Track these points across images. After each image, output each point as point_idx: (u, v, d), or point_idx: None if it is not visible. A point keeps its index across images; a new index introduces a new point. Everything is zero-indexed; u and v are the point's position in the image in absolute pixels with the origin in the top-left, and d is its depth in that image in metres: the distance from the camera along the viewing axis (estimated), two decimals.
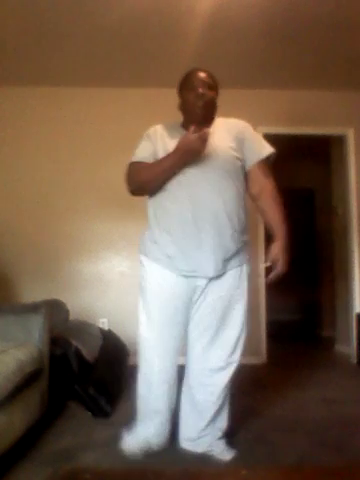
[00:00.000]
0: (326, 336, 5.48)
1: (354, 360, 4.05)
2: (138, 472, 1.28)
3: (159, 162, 1.92)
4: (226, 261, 1.93)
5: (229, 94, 4.21)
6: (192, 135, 1.79)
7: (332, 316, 4.97)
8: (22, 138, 4.12)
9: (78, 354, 2.69)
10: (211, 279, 1.93)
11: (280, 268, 1.98)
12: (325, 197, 5.38)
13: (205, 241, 1.88)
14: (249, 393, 2.93)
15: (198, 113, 1.96)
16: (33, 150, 4.12)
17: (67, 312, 3.30)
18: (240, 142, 1.99)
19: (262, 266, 1.99)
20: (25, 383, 2.01)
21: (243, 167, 2.01)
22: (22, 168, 4.11)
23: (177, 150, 1.84)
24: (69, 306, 3.34)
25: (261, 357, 4.06)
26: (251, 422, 2.41)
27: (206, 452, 1.97)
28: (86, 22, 3.12)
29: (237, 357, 1.99)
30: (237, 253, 1.97)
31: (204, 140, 1.81)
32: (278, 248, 2.01)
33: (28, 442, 2.10)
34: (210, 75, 2.01)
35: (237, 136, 1.99)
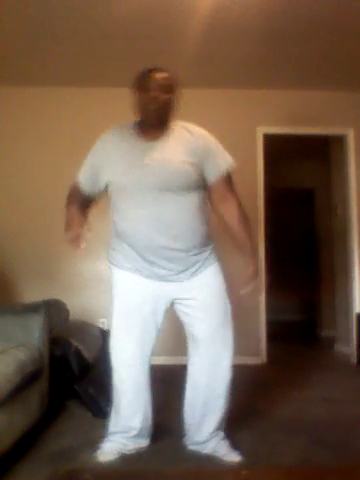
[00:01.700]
0: (326, 336, 5.48)
1: (354, 360, 4.05)
2: (138, 472, 1.28)
3: (66, 214, 1.96)
4: (187, 268, 1.94)
5: (229, 94, 4.27)
6: (69, 236, 1.84)
7: (332, 316, 4.98)
8: (22, 138, 4.12)
9: (78, 354, 2.69)
10: (180, 283, 1.95)
11: (253, 284, 2.01)
12: (325, 197, 5.38)
13: (160, 261, 1.90)
14: (249, 393, 2.92)
15: (150, 116, 1.90)
16: (33, 150, 4.12)
17: (67, 312, 3.30)
18: (199, 156, 1.91)
19: (242, 293, 1.97)
20: (25, 383, 2.01)
21: (201, 180, 1.94)
22: (22, 168, 4.11)
23: (67, 232, 1.88)
24: (69, 306, 3.34)
25: (261, 357, 4.06)
26: (251, 422, 2.41)
27: (212, 454, 1.97)
28: (86, 22, 3.12)
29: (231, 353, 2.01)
30: (200, 262, 1.97)
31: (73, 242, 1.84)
32: (252, 271, 2.01)
33: (28, 442, 2.10)
34: (167, 76, 1.92)
35: (196, 149, 1.91)
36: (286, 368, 3.87)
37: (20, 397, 1.98)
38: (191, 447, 2.02)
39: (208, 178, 1.96)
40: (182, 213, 1.89)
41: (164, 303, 1.99)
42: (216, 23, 3.11)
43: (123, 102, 4.11)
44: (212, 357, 1.97)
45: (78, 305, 3.66)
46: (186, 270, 1.93)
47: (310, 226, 6.17)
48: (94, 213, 4.30)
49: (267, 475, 1.22)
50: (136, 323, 1.97)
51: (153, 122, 1.92)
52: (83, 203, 2.05)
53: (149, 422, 2.03)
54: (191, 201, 1.91)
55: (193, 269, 1.95)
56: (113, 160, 1.93)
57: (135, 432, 1.99)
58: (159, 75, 1.91)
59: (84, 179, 2.05)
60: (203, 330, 1.97)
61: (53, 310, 2.83)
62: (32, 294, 3.76)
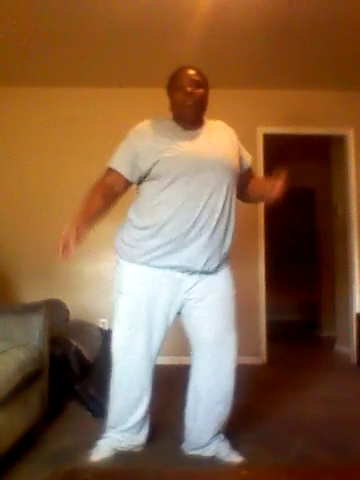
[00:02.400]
0: (326, 336, 5.48)
1: (354, 360, 4.05)
2: (138, 472, 1.28)
3: (81, 206, 1.98)
4: (216, 260, 1.92)
5: (229, 94, 4.27)
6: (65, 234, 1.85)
7: (332, 316, 4.97)
8: (22, 138, 4.12)
9: (78, 354, 2.69)
10: (199, 278, 1.91)
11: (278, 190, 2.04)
12: (325, 197, 5.38)
13: (198, 239, 1.86)
14: (249, 393, 2.92)
15: (187, 113, 1.91)
16: (33, 150, 4.12)
17: (67, 312, 3.30)
18: (235, 147, 2.01)
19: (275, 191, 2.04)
20: (25, 383, 2.01)
21: (238, 171, 2.01)
22: (22, 168, 4.11)
23: (72, 223, 1.89)
24: (69, 306, 3.34)
25: (261, 357, 4.06)
26: (251, 422, 2.41)
27: (214, 456, 1.96)
28: (86, 22, 3.12)
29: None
30: (225, 256, 1.98)
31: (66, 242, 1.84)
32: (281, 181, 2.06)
33: (28, 442, 2.10)
34: (199, 72, 1.95)
35: (233, 141, 2.01)
36: (286, 368, 3.87)
37: (20, 397, 1.98)
38: (191, 452, 2.00)
39: (243, 167, 2.07)
40: (228, 203, 1.91)
41: (179, 301, 1.94)
42: (216, 23, 3.11)
43: (123, 102, 4.16)
44: (215, 362, 1.95)
45: (78, 305, 3.66)
46: (212, 263, 1.90)
47: (310, 226, 6.17)
48: None
49: (267, 475, 1.22)
50: (147, 322, 1.92)
51: (191, 118, 1.93)
52: (108, 195, 2.01)
53: (147, 421, 2.02)
54: (233, 192, 1.97)
55: (217, 264, 1.93)
56: (157, 142, 1.88)
57: (130, 426, 1.98)
58: (191, 71, 1.94)
59: (122, 164, 1.96)
60: (208, 332, 1.94)
61: (53, 310, 2.83)
62: (32, 294, 3.76)
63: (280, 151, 4.91)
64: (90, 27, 3.18)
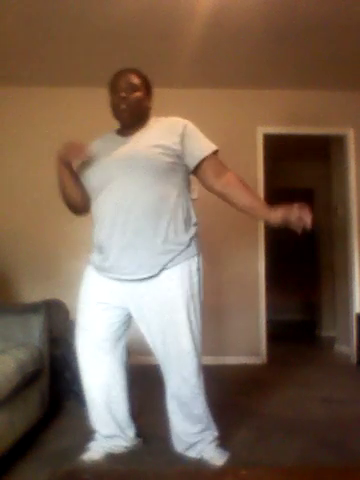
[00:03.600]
0: (326, 336, 5.48)
1: (354, 360, 4.05)
2: (138, 472, 1.28)
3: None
4: (154, 264, 1.82)
5: (229, 94, 4.27)
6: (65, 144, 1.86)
7: (332, 316, 4.98)
8: (21, 138, 4.12)
9: None
10: (143, 282, 1.84)
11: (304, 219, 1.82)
12: (325, 197, 5.39)
13: (128, 245, 1.82)
14: (249, 393, 2.92)
15: (122, 116, 1.92)
16: (33, 150, 4.11)
17: (67, 312, 3.30)
18: (176, 138, 1.87)
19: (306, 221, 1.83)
20: (25, 383, 2.01)
21: (180, 165, 1.89)
22: (22, 168, 4.11)
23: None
24: (69, 306, 3.34)
25: (261, 357, 4.06)
26: (251, 422, 2.40)
27: (199, 457, 1.92)
28: (86, 22, 3.12)
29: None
30: (169, 255, 1.83)
31: (70, 149, 1.87)
32: (286, 211, 1.85)
33: (28, 442, 2.10)
34: (137, 75, 1.95)
35: (172, 133, 1.89)
36: (286, 368, 3.87)
37: (20, 397, 1.99)
38: (178, 450, 1.97)
39: (193, 158, 1.90)
40: (157, 200, 1.82)
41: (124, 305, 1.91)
42: (216, 23, 3.11)
43: None
44: (176, 373, 1.87)
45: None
46: (144, 269, 1.82)
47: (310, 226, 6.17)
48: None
49: (267, 475, 1.22)
50: (98, 320, 1.93)
51: (125, 122, 1.94)
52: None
53: (127, 428, 2.00)
54: (164, 187, 1.84)
55: (154, 269, 1.82)
56: (89, 162, 1.93)
57: (113, 428, 1.98)
58: (128, 75, 1.95)
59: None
60: (155, 347, 1.89)
61: (53, 310, 2.84)
62: (32, 294, 3.76)
63: (280, 151, 4.92)
64: (90, 27, 3.18)
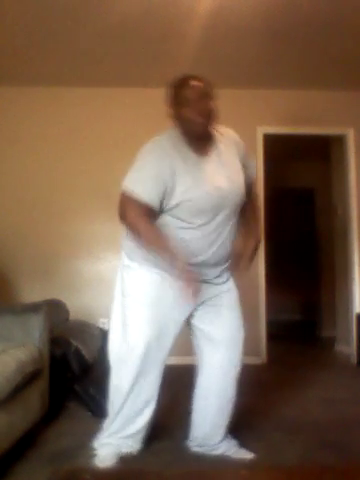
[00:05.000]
0: (326, 336, 5.48)
1: (354, 360, 4.05)
2: (138, 472, 1.28)
3: (160, 247, 1.79)
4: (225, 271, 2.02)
5: (229, 94, 4.25)
6: (190, 285, 1.76)
7: (332, 316, 4.97)
8: (21, 138, 4.12)
9: (78, 354, 2.69)
10: (207, 286, 1.93)
11: (244, 265, 1.97)
12: (325, 197, 5.38)
13: (211, 264, 1.92)
14: (249, 393, 2.92)
15: (199, 130, 1.79)
16: (33, 150, 4.12)
17: (67, 312, 3.30)
18: (241, 159, 1.94)
19: (246, 262, 1.99)
20: (25, 383, 2.01)
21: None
22: (22, 168, 4.11)
23: (176, 264, 1.76)
24: (69, 306, 3.34)
25: (261, 357, 4.06)
26: (251, 422, 2.40)
27: (223, 454, 1.97)
28: (86, 22, 3.11)
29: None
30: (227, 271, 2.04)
31: (193, 291, 1.77)
32: (252, 246, 2.01)
33: (28, 442, 2.10)
34: (207, 82, 1.79)
35: (238, 153, 1.93)
36: (286, 368, 3.87)
37: (20, 397, 1.98)
38: (198, 449, 2.00)
39: (248, 181, 1.97)
40: (233, 234, 1.95)
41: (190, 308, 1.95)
42: (216, 23, 3.11)
43: (122, 102, 4.16)
44: (230, 358, 1.97)
45: (78, 305, 3.66)
46: (220, 276, 2.00)
47: (310, 226, 6.17)
48: (95, 214, 4.30)
49: (267, 475, 1.22)
50: (170, 332, 1.92)
51: (203, 136, 1.83)
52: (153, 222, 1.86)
53: (149, 427, 2.00)
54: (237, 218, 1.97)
55: (225, 276, 2.03)
56: (182, 177, 1.77)
57: (134, 432, 1.96)
58: (197, 83, 1.77)
59: (153, 197, 1.78)
60: (226, 329, 1.98)
61: (53, 310, 2.83)
62: (32, 294, 3.77)
63: (280, 151, 4.91)
64: (90, 27, 3.18)
